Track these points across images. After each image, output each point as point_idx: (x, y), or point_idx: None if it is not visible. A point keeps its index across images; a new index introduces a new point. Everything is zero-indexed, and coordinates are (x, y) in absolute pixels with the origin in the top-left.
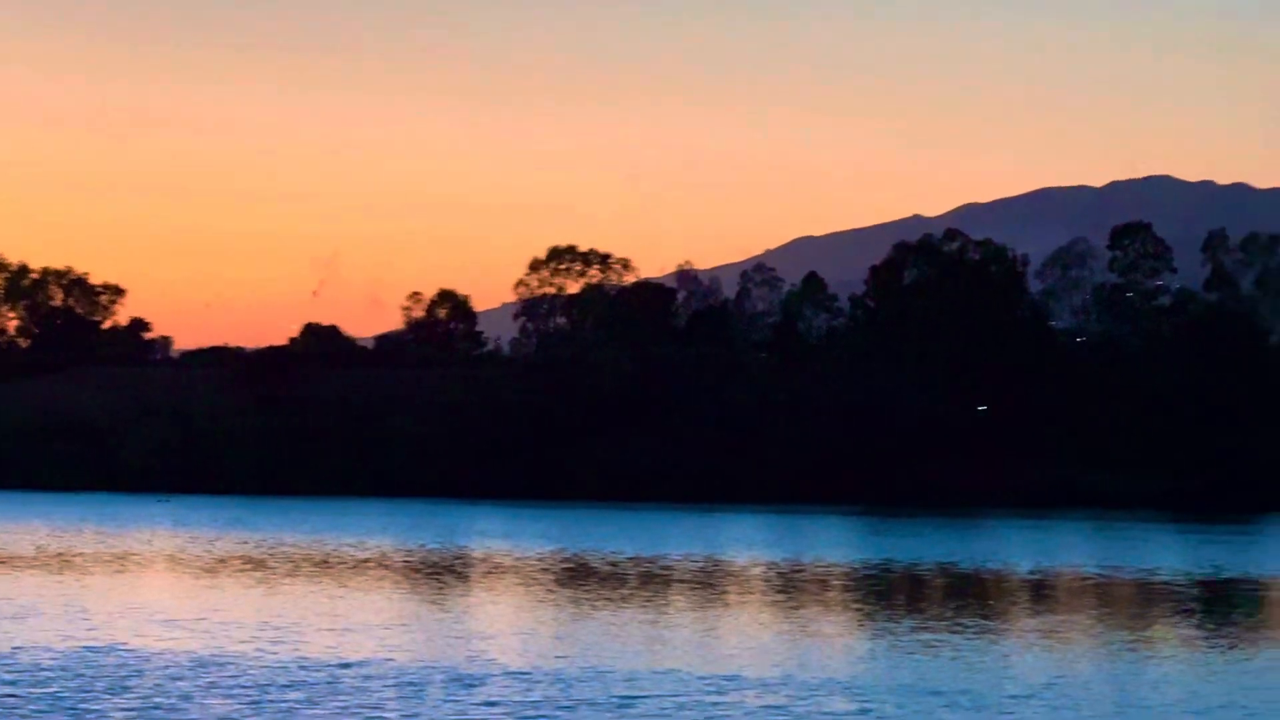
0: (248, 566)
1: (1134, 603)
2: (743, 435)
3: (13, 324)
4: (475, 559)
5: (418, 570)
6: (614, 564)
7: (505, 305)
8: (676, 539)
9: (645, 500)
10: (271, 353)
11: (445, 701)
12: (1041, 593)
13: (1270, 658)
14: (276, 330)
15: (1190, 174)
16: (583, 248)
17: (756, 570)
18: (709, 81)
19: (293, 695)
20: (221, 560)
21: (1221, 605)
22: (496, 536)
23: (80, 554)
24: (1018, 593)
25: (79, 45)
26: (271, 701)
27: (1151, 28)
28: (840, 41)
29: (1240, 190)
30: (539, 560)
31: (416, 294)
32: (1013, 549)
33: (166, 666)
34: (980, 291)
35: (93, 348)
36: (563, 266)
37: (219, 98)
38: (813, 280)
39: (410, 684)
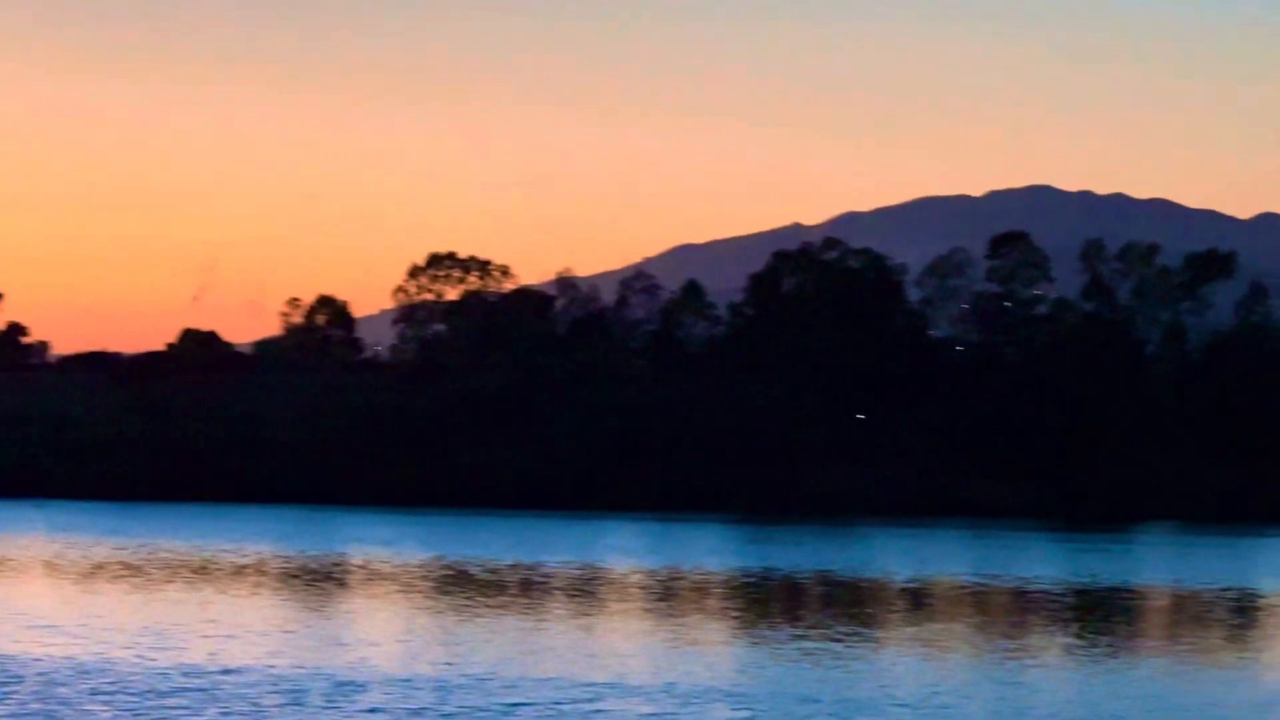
0: (126, 572)
1: (1012, 611)
2: (622, 443)
3: None
4: (355, 566)
5: (297, 577)
6: (493, 571)
7: (384, 311)
8: (556, 546)
9: (525, 507)
10: (149, 358)
11: (326, 708)
12: (920, 601)
13: (1148, 666)
14: (155, 335)
15: (1069, 184)
16: (462, 254)
17: (636, 578)
18: (589, 88)
19: (174, 701)
20: (100, 566)
21: (1099, 614)
22: (376, 543)
23: None
24: (896, 601)
25: None
26: (153, 707)
27: (1031, 37)
28: (722, 49)
29: (1119, 200)
30: (419, 567)
31: (295, 300)
32: (891, 557)
33: (47, 672)
34: (859, 300)
35: None
36: (441, 273)
37: (98, 101)
38: (692, 288)
39: (291, 690)
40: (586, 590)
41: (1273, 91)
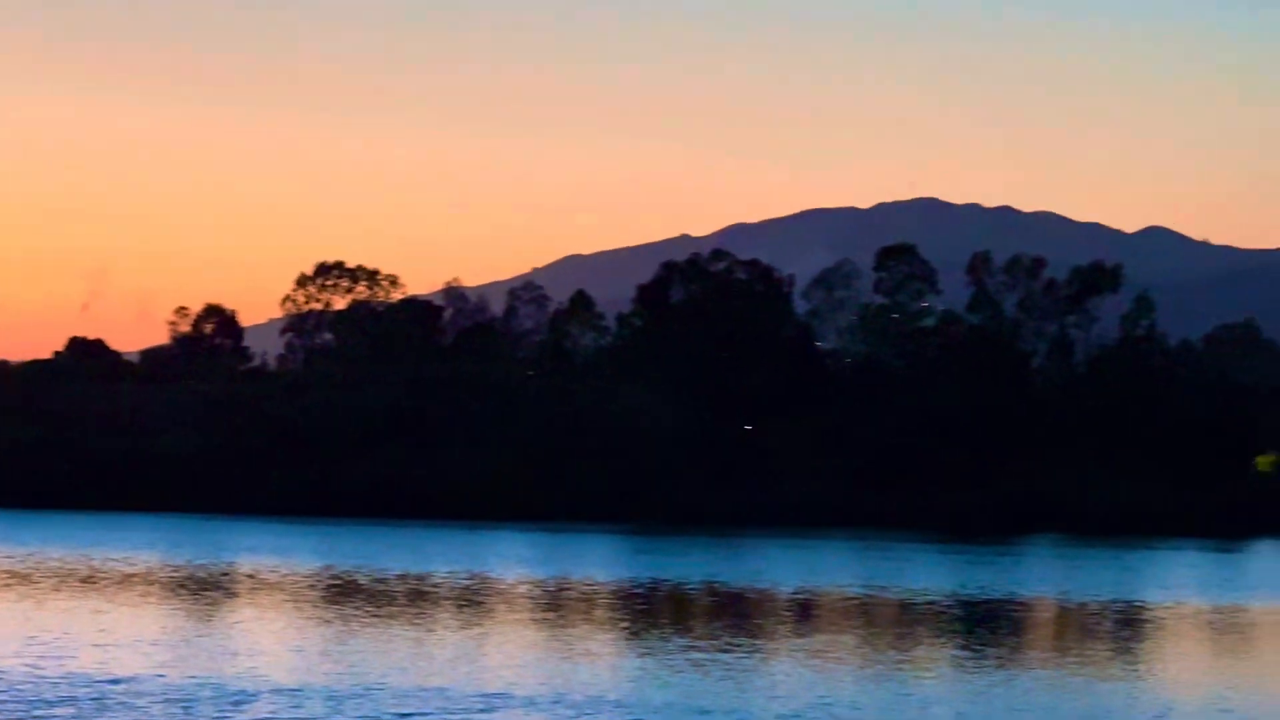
0: (12, 581)
1: (900, 623)
2: (510, 453)
3: None
4: (244, 575)
5: (185, 586)
6: (382, 581)
7: (273, 321)
8: (444, 556)
9: (413, 517)
10: (37, 366)
11: (216, 717)
12: (808, 612)
13: (1034, 678)
14: (43, 344)
15: (956, 196)
16: (350, 264)
17: (524, 588)
18: (478, 97)
19: (62, 711)
20: None
21: (987, 626)
22: (264, 552)
23: None
24: (784, 612)
25: None
26: (41, 717)
27: (917, 51)
28: (610, 62)
29: (1006, 213)
30: (307, 577)
31: (183, 308)
32: (779, 568)
33: None
34: (746, 311)
35: None
36: (329, 282)
37: None
38: (581, 299)
39: (179, 700)
40: (476, 600)
41: (1156, 103)
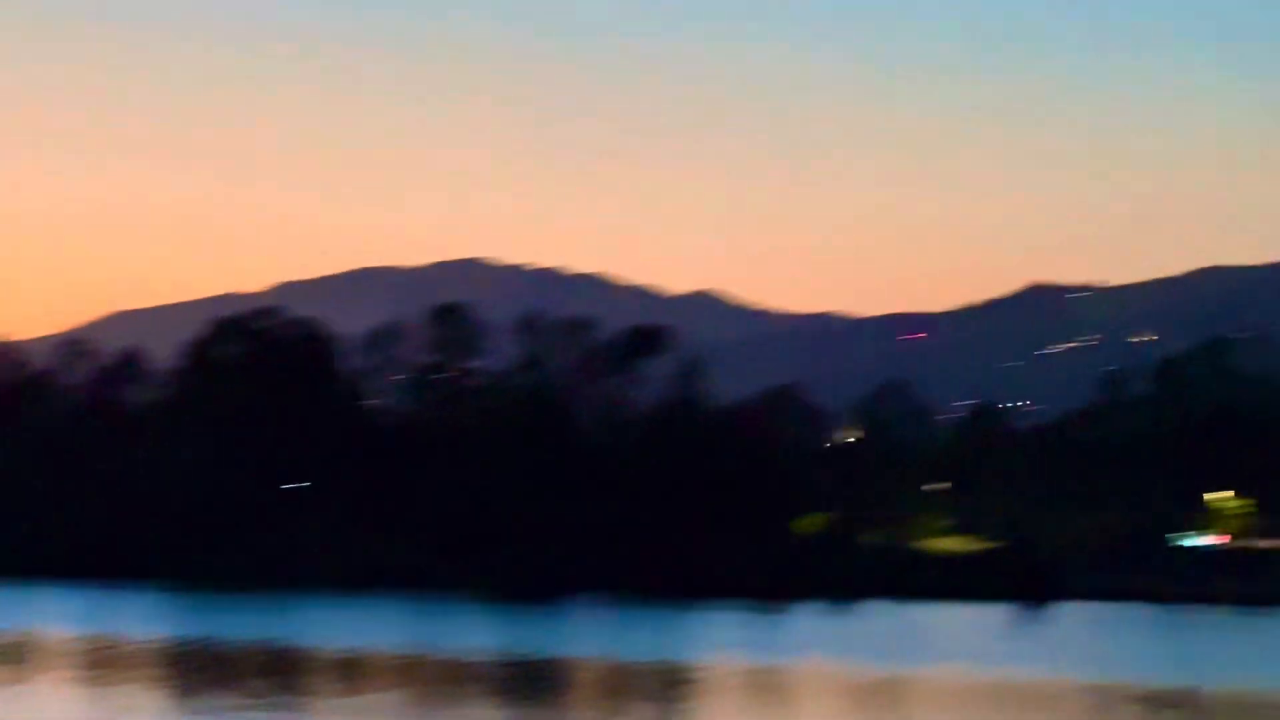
0: None
1: (446, 682)
2: (55, 509)
3: None
4: None
5: None
6: None
7: None
8: None
9: None
10: None
11: None
12: (354, 671)
13: None
14: None
15: (505, 258)
16: None
17: (70, 645)
18: (23, 140)
19: None
20: None
21: (532, 685)
22: None
23: None
24: (331, 671)
25: None
26: None
27: (463, 110)
28: (159, 110)
29: (555, 275)
30: None
31: None
32: (326, 627)
33: None
34: (295, 369)
35: None
36: None
37: None
38: (130, 354)
39: None
40: (16, 658)
41: (701, 167)
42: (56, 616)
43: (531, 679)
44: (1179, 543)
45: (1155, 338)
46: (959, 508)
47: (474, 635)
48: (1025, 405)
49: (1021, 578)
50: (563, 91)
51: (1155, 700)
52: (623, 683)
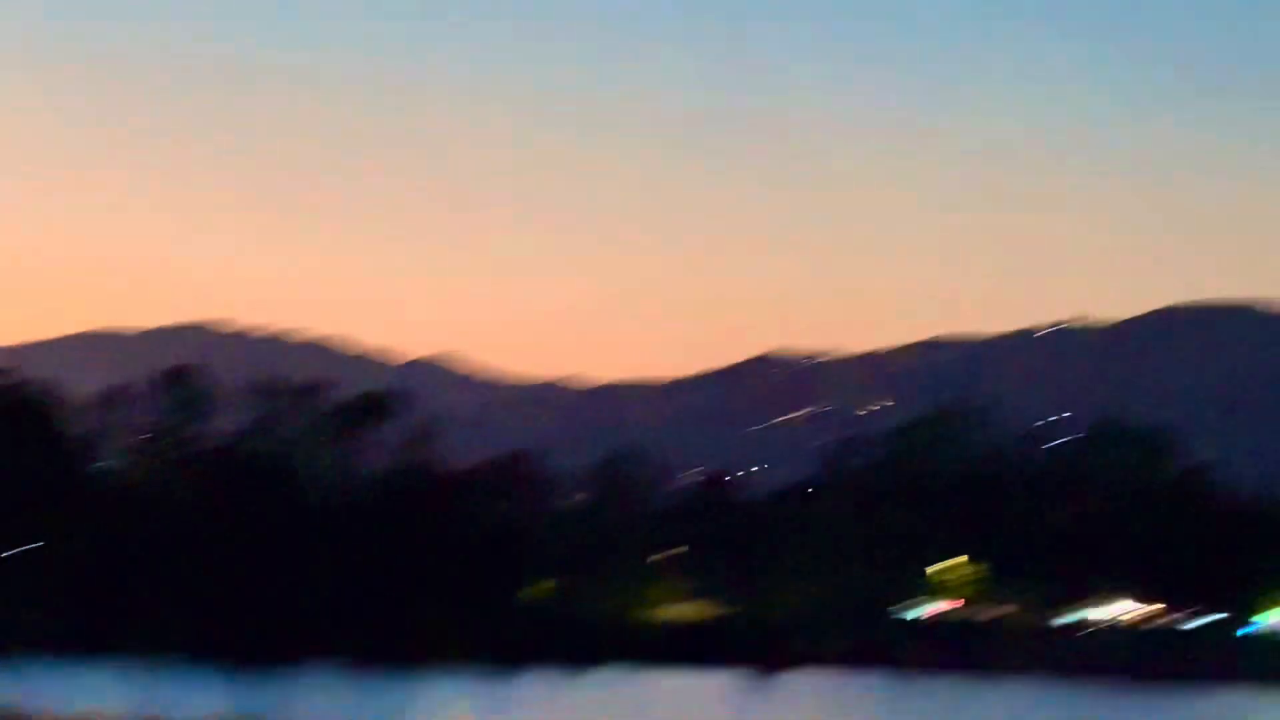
0: None
1: None
2: None
3: None
4: None
5: None
6: None
7: None
8: None
9: None
10: None
11: None
12: None
13: None
14: None
15: (231, 323)
16: None
17: None
18: None
19: None
20: None
21: None
22: None
23: None
24: None
25: None
26: None
27: (189, 183)
28: None
29: (288, 342)
30: None
31: None
32: (54, 691)
33: None
34: (20, 432)
35: None
36: None
37: None
38: None
39: None
40: None
41: (414, 225)
42: None
43: None
44: (905, 611)
45: (890, 403)
46: (691, 574)
47: (198, 700)
48: (757, 471)
49: (752, 644)
50: (286, 148)
51: None
52: None
